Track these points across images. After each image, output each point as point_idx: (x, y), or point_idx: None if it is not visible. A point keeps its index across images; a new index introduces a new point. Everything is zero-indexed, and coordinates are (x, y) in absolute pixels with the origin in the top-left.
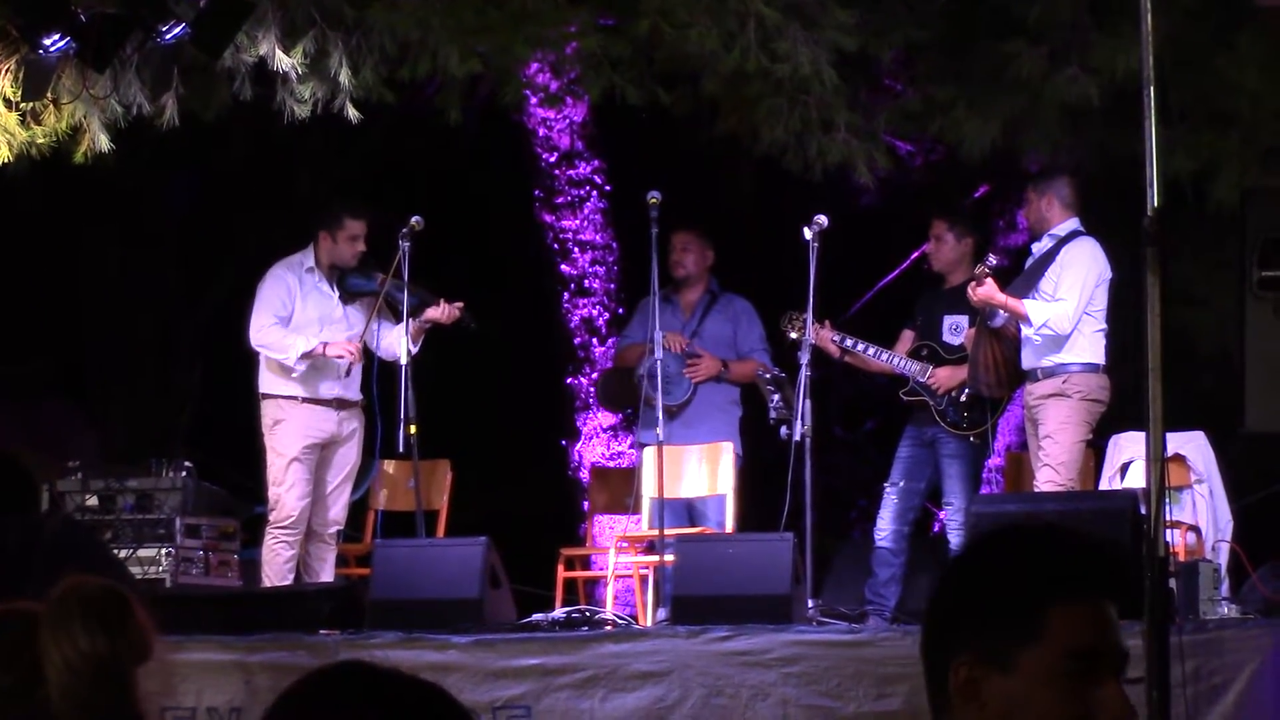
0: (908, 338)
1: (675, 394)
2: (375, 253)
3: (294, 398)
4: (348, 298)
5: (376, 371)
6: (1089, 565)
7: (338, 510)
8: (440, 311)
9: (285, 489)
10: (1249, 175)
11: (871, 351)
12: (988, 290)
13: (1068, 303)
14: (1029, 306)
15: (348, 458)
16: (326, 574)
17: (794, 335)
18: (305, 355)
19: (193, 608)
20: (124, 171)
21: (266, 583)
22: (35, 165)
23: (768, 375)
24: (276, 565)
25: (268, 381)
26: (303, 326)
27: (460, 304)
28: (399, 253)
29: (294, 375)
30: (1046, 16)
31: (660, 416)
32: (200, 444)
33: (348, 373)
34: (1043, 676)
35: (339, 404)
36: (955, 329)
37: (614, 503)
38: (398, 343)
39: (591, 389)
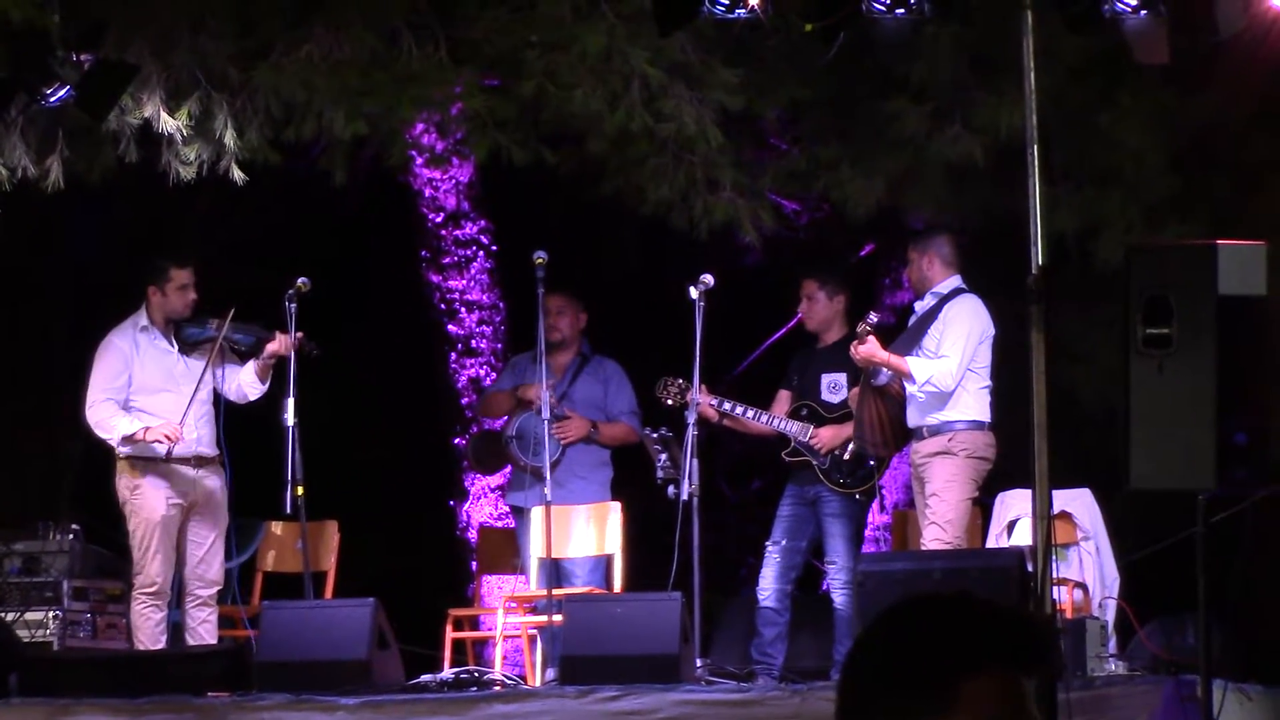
0: (784, 398)
1: (543, 455)
2: (260, 314)
3: (153, 459)
4: (187, 348)
5: (223, 423)
6: (1003, 637)
7: (214, 571)
8: (279, 344)
9: (149, 554)
10: (1133, 232)
11: (751, 414)
12: (869, 348)
13: (950, 359)
14: (912, 364)
15: (215, 515)
16: (209, 636)
17: (669, 403)
18: (127, 439)
19: (80, 671)
20: (9, 235)
21: (139, 648)
22: None
23: (655, 435)
24: (148, 630)
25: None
26: (148, 387)
27: (300, 334)
28: (286, 313)
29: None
30: (930, 75)
31: (548, 475)
32: (87, 506)
33: (167, 456)
34: None
35: (197, 461)
36: (834, 387)
37: (502, 563)
38: (247, 383)
39: None
